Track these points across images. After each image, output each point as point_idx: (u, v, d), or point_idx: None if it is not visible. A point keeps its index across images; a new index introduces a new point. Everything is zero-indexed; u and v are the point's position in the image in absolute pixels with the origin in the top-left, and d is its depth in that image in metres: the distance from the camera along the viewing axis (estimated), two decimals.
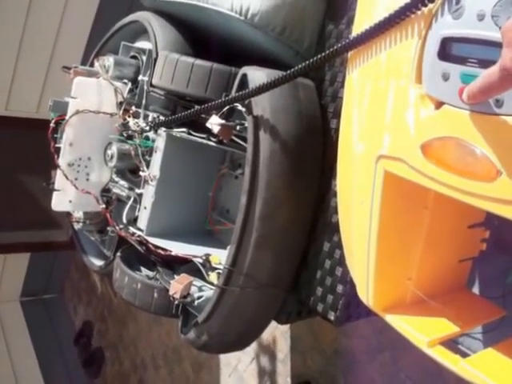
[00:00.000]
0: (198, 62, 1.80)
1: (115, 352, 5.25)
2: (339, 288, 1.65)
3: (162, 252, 1.88)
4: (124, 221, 2.03)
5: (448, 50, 0.97)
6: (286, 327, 3.20)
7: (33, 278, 6.06)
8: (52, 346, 5.90)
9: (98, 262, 2.40)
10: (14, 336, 5.94)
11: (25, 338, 5.94)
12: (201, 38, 2.14)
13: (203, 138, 1.81)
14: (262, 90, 1.47)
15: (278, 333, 3.27)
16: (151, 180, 1.93)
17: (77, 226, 2.34)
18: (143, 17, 2.19)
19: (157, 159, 1.92)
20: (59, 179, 2.08)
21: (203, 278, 1.80)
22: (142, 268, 2.08)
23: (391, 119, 1.11)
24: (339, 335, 2.87)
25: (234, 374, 3.72)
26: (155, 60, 1.99)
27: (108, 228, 2.17)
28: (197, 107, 1.71)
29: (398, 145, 1.10)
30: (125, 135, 2.05)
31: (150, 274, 2.02)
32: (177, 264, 1.96)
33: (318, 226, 1.74)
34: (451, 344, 1.26)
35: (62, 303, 6.29)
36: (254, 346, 3.37)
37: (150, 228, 1.97)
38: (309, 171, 1.69)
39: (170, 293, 1.75)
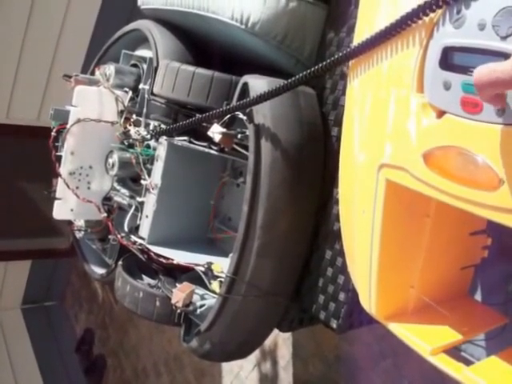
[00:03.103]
0: (199, 70, 1.80)
1: (117, 359, 5.23)
2: (341, 296, 1.65)
3: (163, 260, 1.88)
4: (125, 229, 2.03)
5: (449, 60, 0.97)
6: (287, 334, 3.20)
7: (34, 286, 6.05)
8: (53, 353, 5.88)
9: (100, 271, 2.40)
10: (15, 343, 5.92)
11: (26, 345, 5.92)
12: (201, 46, 2.14)
13: (204, 146, 1.81)
14: (263, 98, 1.48)
15: (279, 339, 3.26)
16: (152, 188, 1.93)
17: (78, 235, 2.34)
18: (144, 25, 2.20)
19: (158, 168, 1.92)
20: (60, 188, 2.08)
21: (205, 287, 1.80)
22: (144, 276, 2.08)
23: (393, 128, 1.11)
24: (341, 342, 2.86)
25: (235, 381, 3.71)
26: (156, 68, 2.00)
27: (109, 236, 2.17)
28: (198, 116, 1.71)
29: (399, 154, 1.10)
30: (126, 144, 2.05)
31: (152, 282, 2.02)
32: (179, 272, 1.96)
33: (319, 233, 1.74)
34: (454, 351, 1.26)
35: (63, 311, 6.28)
36: (255, 352, 3.35)
37: (151, 236, 1.97)
38: (310, 179, 1.69)
39: (173, 301, 1.75)
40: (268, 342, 3.31)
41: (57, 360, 5.83)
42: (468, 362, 1.24)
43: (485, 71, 0.81)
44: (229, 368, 3.76)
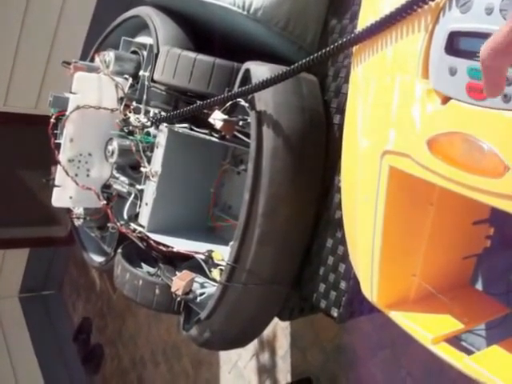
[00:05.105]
0: (200, 56, 1.79)
1: (114, 348, 5.24)
2: (342, 284, 1.65)
3: (163, 248, 1.87)
4: (125, 217, 2.02)
5: (455, 45, 0.96)
6: (286, 323, 3.20)
7: (32, 274, 6.05)
8: (51, 342, 5.89)
9: (99, 259, 2.40)
10: (12, 332, 5.93)
11: (23, 334, 5.93)
12: (202, 32, 2.13)
13: (205, 133, 1.80)
14: (265, 85, 1.47)
15: (278, 329, 3.26)
16: (152, 176, 1.92)
17: (77, 223, 2.33)
18: (144, 11, 2.18)
19: (158, 155, 1.91)
20: (59, 175, 2.07)
21: (205, 275, 1.79)
22: (143, 264, 2.07)
23: (397, 114, 1.10)
24: (340, 331, 2.86)
25: (234, 370, 3.71)
26: (156, 55, 1.98)
27: (108, 224, 2.16)
28: (199, 102, 1.70)
29: (403, 140, 1.09)
30: (126, 131, 2.03)
31: (152, 270, 2.01)
32: (178, 260, 1.96)
33: (321, 222, 1.73)
34: (454, 341, 1.25)
35: (60, 299, 6.28)
36: (254, 342, 3.35)
37: (151, 224, 1.96)
38: (312, 167, 1.68)
39: (172, 289, 1.75)
40: (266, 332, 3.31)
41: (54, 349, 5.84)
42: (468, 352, 1.23)
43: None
44: (227, 357, 3.76)
